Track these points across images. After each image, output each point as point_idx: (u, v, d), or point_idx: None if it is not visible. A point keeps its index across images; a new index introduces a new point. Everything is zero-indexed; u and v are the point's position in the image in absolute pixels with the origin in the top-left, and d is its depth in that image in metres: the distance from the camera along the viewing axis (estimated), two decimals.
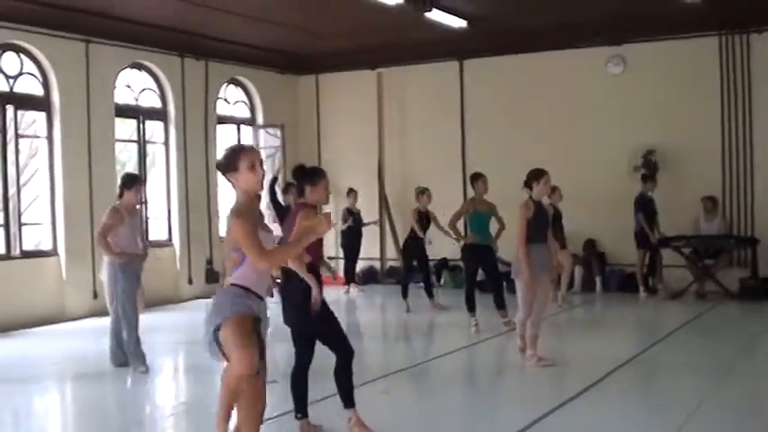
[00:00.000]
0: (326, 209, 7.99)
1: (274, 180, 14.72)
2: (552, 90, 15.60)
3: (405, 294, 13.26)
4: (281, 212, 13.23)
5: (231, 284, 4.94)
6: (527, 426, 6.65)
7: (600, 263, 15.00)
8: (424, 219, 13.11)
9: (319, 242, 6.27)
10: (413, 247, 13.22)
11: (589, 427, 6.77)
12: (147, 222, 14.24)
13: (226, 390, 5.33)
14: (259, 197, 5.12)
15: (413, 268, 13.48)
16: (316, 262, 6.33)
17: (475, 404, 7.75)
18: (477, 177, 11.61)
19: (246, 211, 4.86)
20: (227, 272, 5.10)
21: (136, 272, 9.17)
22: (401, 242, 16.57)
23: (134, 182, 9.32)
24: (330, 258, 16.04)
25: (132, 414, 7.92)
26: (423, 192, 13.18)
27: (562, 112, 15.52)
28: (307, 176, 6.44)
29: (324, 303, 6.28)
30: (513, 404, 7.78)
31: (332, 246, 16.41)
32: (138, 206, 9.56)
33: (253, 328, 4.96)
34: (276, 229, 14.21)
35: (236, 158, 4.90)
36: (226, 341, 4.92)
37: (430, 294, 13.33)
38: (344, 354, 6.32)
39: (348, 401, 6.38)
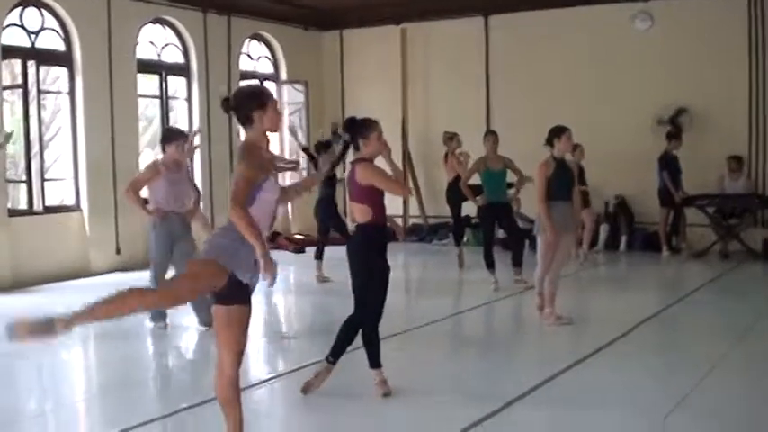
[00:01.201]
0: None
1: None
2: (578, 46, 15.40)
3: (459, 242, 13.26)
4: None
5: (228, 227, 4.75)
6: (542, 382, 6.67)
7: (628, 221, 14.88)
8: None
9: (382, 201, 6.37)
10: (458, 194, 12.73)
11: (604, 384, 6.76)
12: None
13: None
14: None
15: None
16: (380, 220, 6.36)
17: (492, 361, 7.75)
18: (485, 135, 11.64)
19: (252, 155, 4.78)
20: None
21: (169, 230, 8.79)
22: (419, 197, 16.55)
23: (175, 136, 9.07)
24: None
25: (150, 368, 8.02)
26: (452, 138, 13.09)
27: (588, 69, 15.34)
28: (357, 130, 6.40)
29: (384, 265, 6.34)
30: (529, 361, 7.80)
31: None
32: (181, 161, 9.09)
33: (210, 279, 4.66)
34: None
35: (265, 98, 4.86)
36: (189, 269, 4.82)
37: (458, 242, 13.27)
38: (363, 318, 6.36)
39: (372, 362, 6.44)
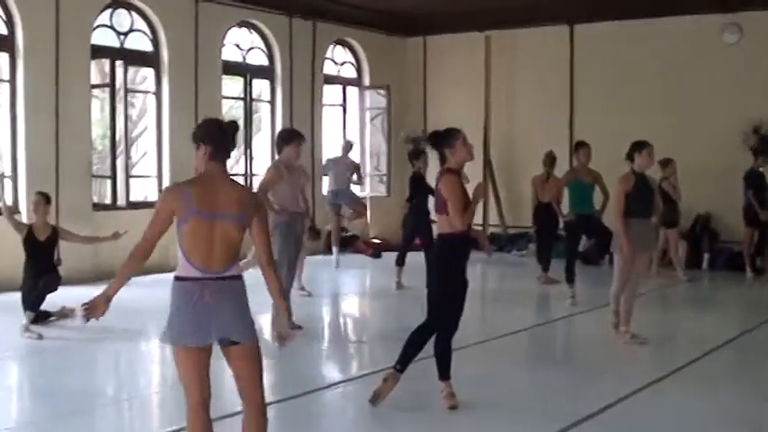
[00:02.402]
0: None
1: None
2: (664, 58, 15.11)
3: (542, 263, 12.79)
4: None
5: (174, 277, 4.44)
6: (613, 403, 6.55)
7: (711, 239, 14.53)
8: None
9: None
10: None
11: (676, 407, 6.60)
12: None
13: None
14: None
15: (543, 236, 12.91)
16: (465, 231, 6.31)
17: (563, 378, 7.63)
18: (579, 146, 11.42)
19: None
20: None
21: (295, 231, 8.92)
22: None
23: (293, 137, 9.09)
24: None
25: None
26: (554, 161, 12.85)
27: (674, 82, 15.03)
28: (441, 140, 6.37)
29: (463, 278, 6.33)
30: (601, 381, 7.63)
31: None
32: (298, 163, 9.28)
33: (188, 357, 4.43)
34: None
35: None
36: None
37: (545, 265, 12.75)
38: (439, 329, 6.34)
39: (441, 374, 6.41)
